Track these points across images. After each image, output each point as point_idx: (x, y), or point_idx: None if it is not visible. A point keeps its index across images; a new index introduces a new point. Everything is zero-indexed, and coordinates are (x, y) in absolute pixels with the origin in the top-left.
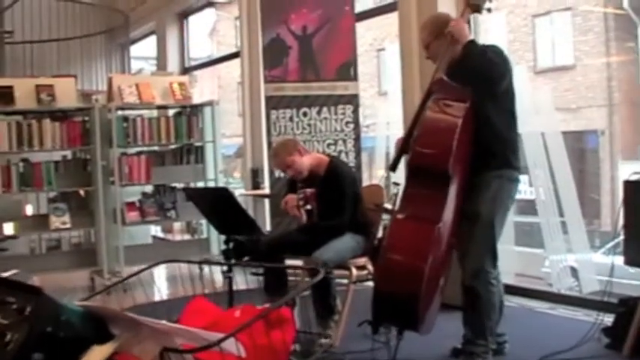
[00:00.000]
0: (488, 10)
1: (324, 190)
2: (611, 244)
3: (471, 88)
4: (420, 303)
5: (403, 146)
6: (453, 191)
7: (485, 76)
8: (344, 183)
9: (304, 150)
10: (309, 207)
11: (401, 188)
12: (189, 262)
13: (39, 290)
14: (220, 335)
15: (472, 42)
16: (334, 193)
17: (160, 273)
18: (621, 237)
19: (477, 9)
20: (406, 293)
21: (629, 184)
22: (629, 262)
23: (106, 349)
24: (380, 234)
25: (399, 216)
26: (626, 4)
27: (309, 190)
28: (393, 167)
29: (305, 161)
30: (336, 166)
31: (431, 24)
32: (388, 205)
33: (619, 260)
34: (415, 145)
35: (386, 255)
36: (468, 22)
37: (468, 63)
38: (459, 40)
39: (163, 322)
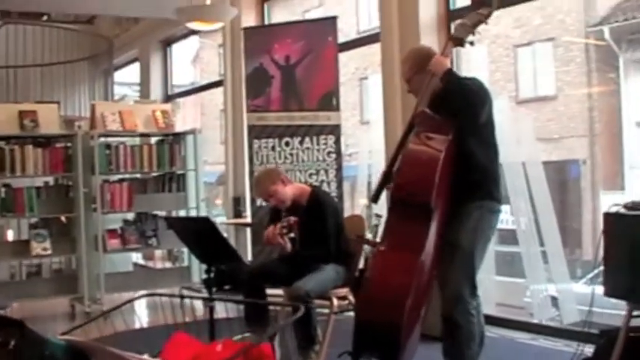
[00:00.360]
0: (471, 43)
1: (306, 219)
2: (592, 274)
3: (453, 121)
4: (401, 333)
5: (385, 177)
6: (434, 223)
7: (467, 103)
8: (326, 213)
9: (287, 180)
10: (292, 235)
11: (382, 220)
12: (170, 295)
13: (22, 324)
14: None
15: (450, 72)
16: (317, 223)
17: (141, 301)
18: (602, 267)
19: (460, 43)
20: (388, 324)
21: (609, 216)
22: (608, 293)
23: None
24: (361, 265)
25: (382, 247)
26: (607, 35)
27: (292, 218)
28: (374, 199)
29: (288, 191)
30: (318, 195)
31: (412, 58)
32: (369, 236)
33: (600, 290)
34: (397, 177)
35: (368, 286)
36: (450, 56)
37: (448, 93)
38: (440, 73)
39: (145, 356)
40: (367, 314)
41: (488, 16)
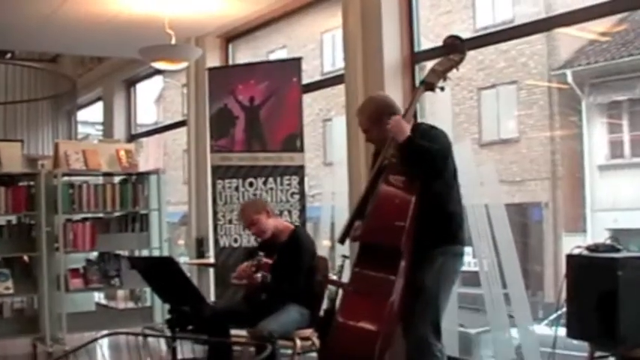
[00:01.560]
0: (442, 88)
1: (282, 256)
2: (554, 315)
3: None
4: None
5: (353, 219)
6: (402, 266)
7: (430, 167)
8: (302, 252)
9: (272, 213)
10: (259, 275)
11: (347, 261)
12: (133, 334)
13: None
14: None
15: (410, 141)
16: (291, 261)
17: (104, 342)
18: (564, 309)
19: (431, 88)
20: None
21: (571, 258)
22: (572, 334)
23: None
24: (324, 305)
25: (351, 291)
26: (570, 79)
27: (264, 259)
28: (342, 240)
29: (270, 223)
30: (299, 236)
31: (369, 109)
32: (334, 277)
33: (562, 332)
34: (369, 221)
35: (338, 331)
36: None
37: (410, 160)
38: (399, 140)
39: None
40: (336, 358)
41: (460, 62)
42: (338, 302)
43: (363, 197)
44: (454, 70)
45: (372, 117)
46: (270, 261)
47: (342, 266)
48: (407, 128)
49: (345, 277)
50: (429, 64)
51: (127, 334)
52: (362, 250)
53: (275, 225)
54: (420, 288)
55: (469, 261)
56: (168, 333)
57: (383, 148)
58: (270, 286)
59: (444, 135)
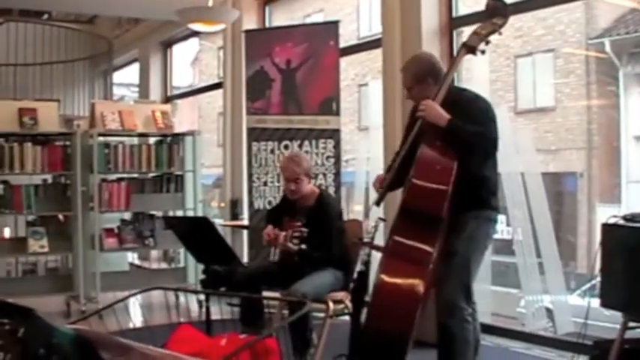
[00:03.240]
0: (482, 52)
1: (311, 220)
2: (587, 286)
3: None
4: (408, 344)
5: (392, 181)
6: (441, 233)
7: (478, 152)
8: (332, 216)
9: (311, 177)
10: (303, 247)
11: (382, 223)
12: (168, 288)
13: (31, 312)
14: None
15: (452, 126)
16: (322, 226)
17: (136, 300)
18: (598, 279)
19: (472, 50)
20: (397, 334)
21: (607, 227)
22: (605, 304)
23: None
24: (358, 268)
25: (392, 255)
26: (608, 47)
27: (304, 230)
28: (378, 202)
29: (307, 187)
30: (325, 198)
31: (414, 68)
32: (368, 239)
33: (594, 303)
34: (412, 186)
35: (379, 294)
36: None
37: (458, 141)
38: (441, 125)
39: (153, 348)
40: (376, 323)
41: (502, 25)
42: (371, 265)
43: (403, 159)
44: (496, 34)
45: (416, 75)
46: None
47: (375, 227)
48: (442, 112)
49: (379, 240)
50: (467, 30)
51: (162, 288)
52: (403, 213)
53: (308, 189)
54: (451, 252)
55: (503, 229)
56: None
57: None
58: (307, 255)
59: (488, 109)
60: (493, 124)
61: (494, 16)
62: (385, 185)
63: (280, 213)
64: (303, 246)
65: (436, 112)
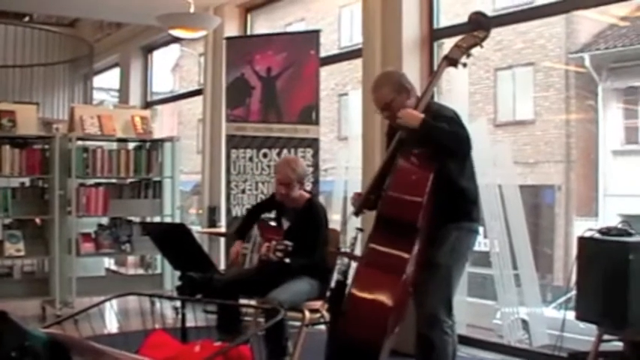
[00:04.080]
0: (464, 65)
1: (298, 224)
2: (563, 298)
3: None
4: (380, 353)
5: (370, 192)
6: (417, 243)
7: (450, 150)
8: (320, 228)
9: (304, 185)
10: (287, 260)
11: (360, 234)
12: (144, 294)
13: (4, 315)
14: None
15: (424, 122)
16: (308, 231)
17: (111, 307)
18: (574, 292)
19: (454, 63)
20: (369, 342)
21: (583, 240)
22: (580, 317)
23: None
24: (336, 277)
25: (366, 264)
26: (587, 62)
27: (289, 244)
28: (357, 212)
29: (297, 192)
30: (315, 205)
31: (390, 80)
32: (347, 250)
33: (570, 315)
34: (388, 195)
35: (352, 303)
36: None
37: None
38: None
39: (126, 353)
40: (349, 330)
41: (484, 39)
42: (349, 275)
43: (380, 172)
44: (478, 47)
45: (395, 85)
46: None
47: (355, 238)
48: (416, 113)
49: (358, 250)
50: (448, 42)
51: (137, 294)
52: (378, 223)
53: (296, 194)
54: (433, 264)
55: (480, 241)
56: (177, 300)
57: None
58: (288, 267)
59: (456, 116)
60: (463, 130)
61: (476, 29)
62: (364, 195)
63: (264, 211)
64: (287, 260)
65: (411, 114)
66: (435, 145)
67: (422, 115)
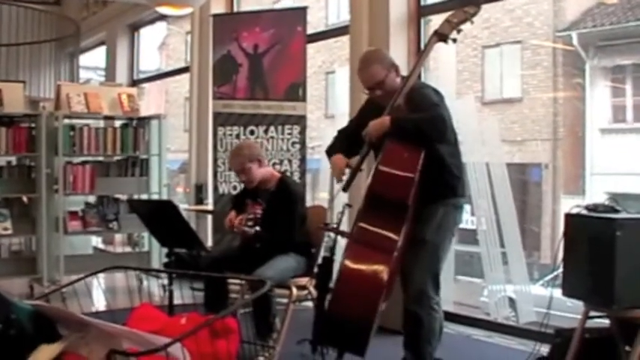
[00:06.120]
0: (454, 40)
1: (272, 205)
2: (550, 276)
3: None
4: (371, 330)
5: (357, 167)
6: (407, 220)
7: (430, 137)
8: (295, 201)
9: (263, 161)
10: (257, 229)
11: (348, 209)
12: (135, 269)
13: None
14: (167, 340)
15: (395, 123)
16: (283, 211)
17: (98, 284)
18: (561, 269)
19: (444, 39)
20: (360, 319)
21: (570, 217)
22: (567, 293)
23: (54, 348)
24: (323, 253)
25: (357, 241)
26: (575, 40)
27: (259, 212)
28: (345, 188)
29: (260, 172)
30: (286, 183)
31: (379, 58)
32: (334, 225)
33: (557, 293)
34: (378, 171)
35: (342, 280)
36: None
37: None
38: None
39: (111, 324)
40: (339, 308)
41: (475, 14)
42: (337, 251)
43: (352, 130)
44: (468, 24)
45: (385, 63)
46: (258, 212)
47: (342, 213)
48: (380, 120)
49: (344, 226)
50: (436, 18)
51: (124, 268)
52: (368, 200)
53: (263, 174)
54: (420, 240)
55: (467, 219)
56: (164, 277)
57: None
58: (264, 237)
59: (430, 94)
60: (437, 107)
61: (466, 4)
62: (351, 171)
63: (243, 199)
64: (258, 228)
65: (376, 125)
66: (411, 136)
67: (387, 118)
